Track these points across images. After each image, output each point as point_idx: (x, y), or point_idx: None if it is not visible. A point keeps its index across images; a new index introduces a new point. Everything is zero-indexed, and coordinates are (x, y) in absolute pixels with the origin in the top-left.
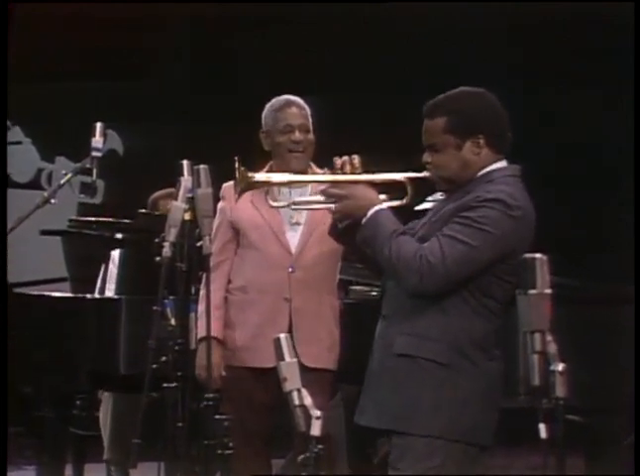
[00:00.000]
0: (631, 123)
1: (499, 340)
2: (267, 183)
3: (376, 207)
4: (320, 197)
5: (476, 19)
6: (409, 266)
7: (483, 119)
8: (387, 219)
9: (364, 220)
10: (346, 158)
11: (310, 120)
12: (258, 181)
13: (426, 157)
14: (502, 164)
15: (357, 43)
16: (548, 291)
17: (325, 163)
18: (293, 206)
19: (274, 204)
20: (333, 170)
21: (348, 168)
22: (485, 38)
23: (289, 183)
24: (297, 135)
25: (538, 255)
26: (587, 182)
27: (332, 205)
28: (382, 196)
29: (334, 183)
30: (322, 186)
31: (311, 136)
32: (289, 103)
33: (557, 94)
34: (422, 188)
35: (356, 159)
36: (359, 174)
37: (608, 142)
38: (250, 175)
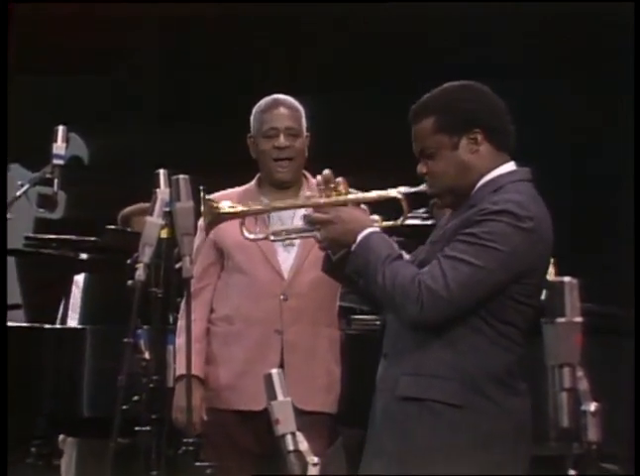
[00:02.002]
0: (631, 123)
1: (526, 373)
2: (238, 215)
3: (367, 230)
4: (302, 225)
5: (476, 19)
6: (407, 294)
7: (477, 110)
8: (380, 243)
9: (353, 246)
10: (328, 175)
11: (303, 123)
12: (226, 213)
13: (420, 168)
14: (509, 167)
15: (357, 41)
16: (578, 319)
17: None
18: (272, 237)
19: (250, 237)
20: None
21: (331, 188)
22: (486, 37)
23: (264, 212)
24: (282, 140)
25: (567, 278)
26: (588, 183)
27: (316, 233)
28: (375, 217)
29: (317, 207)
30: (307, 210)
31: (301, 141)
32: (276, 103)
33: (557, 94)
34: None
35: (340, 178)
36: (345, 194)
37: (608, 142)
38: (216, 205)
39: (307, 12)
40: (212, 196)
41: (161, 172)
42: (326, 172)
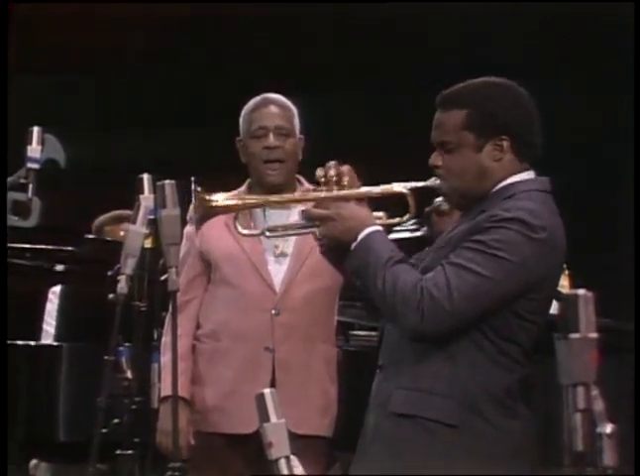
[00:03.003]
0: (631, 123)
1: (540, 394)
2: (232, 208)
3: (369, 229)
4: (300, 221)
5: (476, 19)
6: (407, 302)
7: (511, 117)
8: (382, 244)
9: (353, 245)
10: (330, 166)
11: (295, 123)
12: (219, 207)
13: (435, 158)
14: (528, 175)
15: (356, 40)
16: (593, 335)
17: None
18: (268, 233)
19: (244, 232)
20: (317, 184)
21: (333, 181)
22: (486, 37)
23: (259, 205)
24: (271, 139)
25: (581, 291)
26: (588, 183)
27: (316, 230)
28: (379, 214)
29: (317, 202)
30: (306, 206)
31: (292, 142)
32: (266, 101)
33: (557, 94)
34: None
35: (345, 169)
36: (348, 188)
37: (608, 142)
38: (208, 198)
39: (307, 12)
40: None
41: (145, 176)
42: (329, 163)
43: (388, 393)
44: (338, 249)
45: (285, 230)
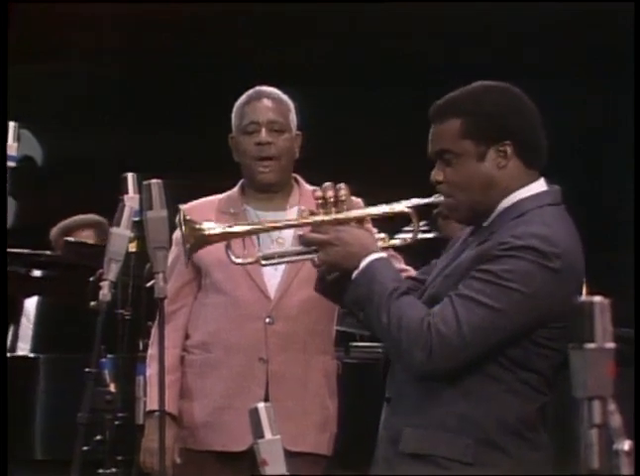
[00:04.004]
0: (631, 123)
1: (557, 413)
2: (224, 237)
3: (372, 256)
4: (297, 246)
5: (476, 19)
6: (414, 338)
7: (510, 119)
8: (386, 273)
9: (355, 274)
10: (328, 187)
11: (291, 118)
12: (210, 235)
13: (436, 174)
14: (537, 187)
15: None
16: (610, 345)
17: (319, 178)
18: (263, 262)
19: (237, 261)
20: (315, 206)
21: (332, 202)
22: (486, 37)
23: (254, 232)
24: (263, 135)
25: (597, 298)
26: (587, 183)
27: (314, 256)
28: (381, 235)
29: (315, 226)
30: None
31: (287, 138)
32: (259, 95)
33: (557, 94)
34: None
35: (342, 189)
36: (347, 209)
37: (608, 142)
38: (198, 227)
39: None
40: (189, 205)
41: (129, 175)
42: (325, 184)
43: (397, 429)
44: (334, 280)
45: (282, 257)
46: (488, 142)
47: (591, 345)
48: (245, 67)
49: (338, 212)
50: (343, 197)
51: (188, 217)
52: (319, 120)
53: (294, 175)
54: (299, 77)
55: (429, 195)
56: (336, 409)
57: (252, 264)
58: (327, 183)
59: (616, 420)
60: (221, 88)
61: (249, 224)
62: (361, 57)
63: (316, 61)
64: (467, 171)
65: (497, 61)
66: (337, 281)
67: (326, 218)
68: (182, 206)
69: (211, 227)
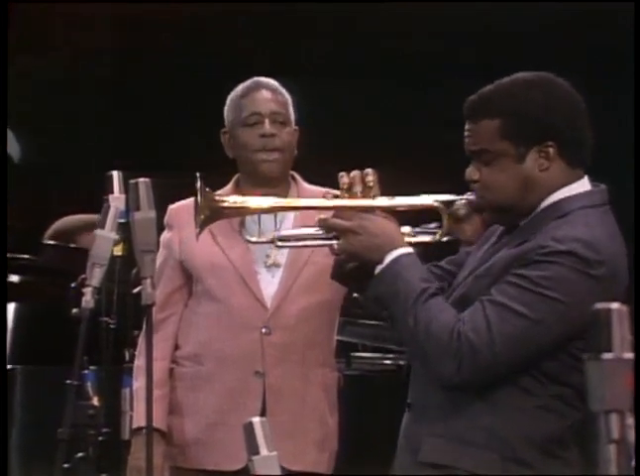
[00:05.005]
0: (631, 123)
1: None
2: (245, 211)
3: (398, 251)
4: (317, 230)
5: (476, 18)
6: (443, 347)
7: (553, 117)
8: (414, 271)
9: (379, 268)
10: (356, 173)
11: (290, 111)
12: (231, 208)
13: (471, 172)
14: (581, 186)
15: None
16: (629, 355)
17: (319, 176)
18: (278, 243)
19: (252, 240)
20: (338, 191)
21: (358, 188)
22: (486, 36)
23: (279, 209)
24: (267, 126)
25: (615, 305)
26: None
27: (334, 242)
28: (407, 229)
29: (338, 211)
30: (321, 214)
31: (289, 132)
32: (258, 86)
33: None
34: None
35: (370, 175)
36: (373, 196)
37: (608, 142)
38: (217, 198)
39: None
40: (177, 205)
41: (115, 174)
42: (353, 172)
43: (418, 439)
44: (354, 270)
45: (298, 240)
46: (529, 143)
47: (609, 355)
48: (245, 67)
49: (363, 197)
50: (370, 183)
51: (206, 189)
52: (319, 120)
53: (292, 172)
54: (299, 77)
55: (433, 194)
56: (336, 425)
57: (266, 243)
58: (354, 172)
59: (633, 436)
60: (221, 88)
61: (268, 200)
62: (361, 56)
63: (316, 62)
64: (505, 172)
65: (497, 61)
66: (356, 268)
67: (350, 203)
68: (199, 175)
69: (230, 200)
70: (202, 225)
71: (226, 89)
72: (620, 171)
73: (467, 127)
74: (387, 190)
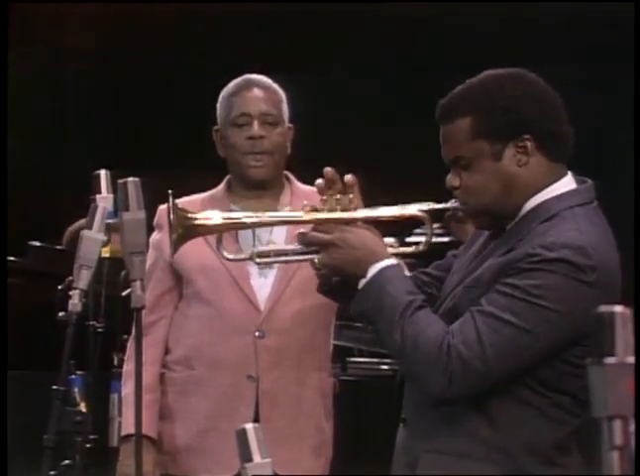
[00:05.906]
0: (631, 123)
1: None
2: (218, 229)
3: (382, 263)
4: (296, 245)
5: (476, 17)
6: (432, 362)
7: (528, 110)
8: (398, 283)
9: (362, 282)
10: (329, 173)
11: (283, 109)
12: (203, 226)
13: (451, 180)
14: (566, 184)
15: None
16: (631, 360)
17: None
18: (257, 260)
19: (230, 257)
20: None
21: (335, 196)
22: (486, 36)
23: (251, 226)
24: (256, 129)
25: (618, 308)
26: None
27: (315, 256)
28: (390, 240)
29: (317, 224)
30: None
31: (281, 132)
32: (249, 84)
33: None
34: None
35: (350, 179)
36: (354, 208)
37: (608, 142)
38: (189, 216)
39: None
40: (165, 207)
41: (102, 173)
42: (327, 170)
43: (414, 455)
44: (339, 284)
45: (278, 256)
46: (504, 139)
47: (612, 360)
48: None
49: (344, 210)
50: (351, 194)
51: (177, 206)
52: (318, 119)
53: (286, 172)
54: (299, 77)
55: (430, 197)
56: (332, 431)
57: (244, 260)
58: (328, 169)
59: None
60: (221, 88)
61: (244, 216)
62: (361, 56)
63: (316, 61)
64: (483, 173)
65: (497, 61)
66: (341, 282)
67: (329, 216)
68: (170, 192)
69: (203, 217)
70: (176, 245)
71: (215, 87)
72: (620, 170)
73: (441, 132)
74: (375, 191)
